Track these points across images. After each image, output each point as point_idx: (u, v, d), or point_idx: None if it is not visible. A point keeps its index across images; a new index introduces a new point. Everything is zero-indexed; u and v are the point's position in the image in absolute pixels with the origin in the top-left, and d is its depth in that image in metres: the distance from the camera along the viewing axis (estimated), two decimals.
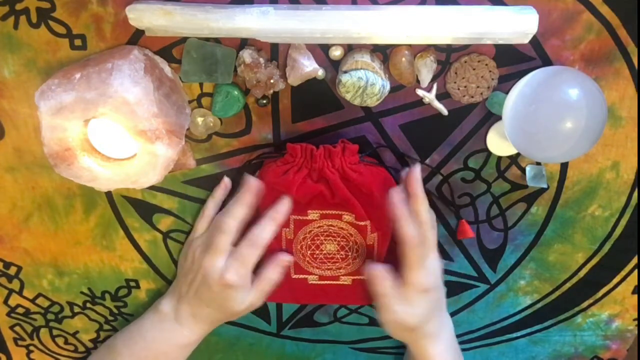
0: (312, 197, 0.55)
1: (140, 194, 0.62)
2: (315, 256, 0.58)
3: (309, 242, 0.57)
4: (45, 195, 0.61)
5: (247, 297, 0.57)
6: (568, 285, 0.68)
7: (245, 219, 0.56)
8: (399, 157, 0.60)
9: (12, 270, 0.67)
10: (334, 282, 0.59)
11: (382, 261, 0.58)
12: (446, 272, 0.66)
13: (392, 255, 0.58)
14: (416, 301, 0.56)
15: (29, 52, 0.53)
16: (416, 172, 0.55)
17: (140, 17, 0.50)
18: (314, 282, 0.59)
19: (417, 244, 0.54)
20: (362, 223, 0.56)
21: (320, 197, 0.55)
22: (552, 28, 0.52)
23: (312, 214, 0.56)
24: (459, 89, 0.55)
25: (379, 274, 0.56)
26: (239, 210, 0.56)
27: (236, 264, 0.56)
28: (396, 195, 0.54)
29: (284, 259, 0.58)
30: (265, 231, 0.56)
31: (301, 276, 0.59)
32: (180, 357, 0.63)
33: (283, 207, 0.56)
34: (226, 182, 0.60)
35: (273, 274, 0.58)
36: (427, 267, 0.56)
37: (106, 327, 0.72)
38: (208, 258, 0.56)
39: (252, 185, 0.56)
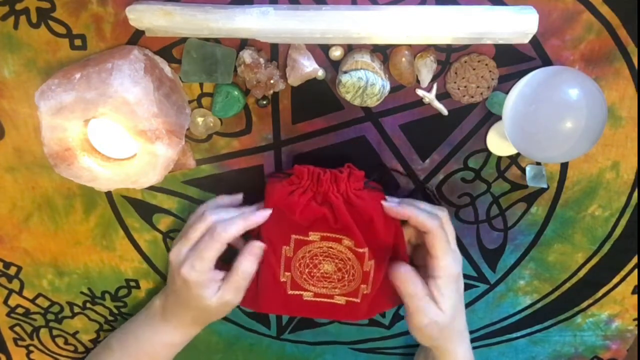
0: (315, 219, 0.56)
1: (140, 194, 0.62)
2: (312, 274, 0.58)
3: (307, 261, 0.58)
4: (45, 195, 0.61)
5: (215, 293, 0.55)
6: (568, 285, 0.68)
7: (234, 235, 0.55)
8: (399, 158, 0.60)
9: (12, 271, 0.67)
10: (328, 300, 0.60)
11: (376, 288, 0.58)
12: None
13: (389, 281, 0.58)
14: (446, 294, 0.54)
15: (29, 52, 0.53)
16: (388, 206, 0.55)
17: (140, 17, 0.50)
18: (309, 298, 0.59)
19: (438, 228, 0.53)
20: (361, 250, 0.56)
21: (322, 220, 0.56)
22: (552, 28, 0.53)
23: (313, 236, 0.56)
24: (459, 89, 0.55)
25: (409, 275, 0.54)
26: (235, 224, 0.54)
27: (193, 257, 0.54)
28: (389, 205, 0.55)
29: (256, 246, 0.55)
30: (230, 228, 0.54)
31: (297, 292, 0.59)
32: (166, 356, 0.62)
33: (258, 215, 0.55)
34: (239, 199, 0.59)
35: (246, 264, 0.55)
36: (453, 252, 0.55)
37: (106, 327, 0.72)
38: (174, 248, 0.56)
39: (263, 216, 0.55)
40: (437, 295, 0.54)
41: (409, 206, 0.55)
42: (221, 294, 0.55)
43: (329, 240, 0.56)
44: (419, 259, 0.59)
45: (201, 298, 0.55)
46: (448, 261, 0.54)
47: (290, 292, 0.59)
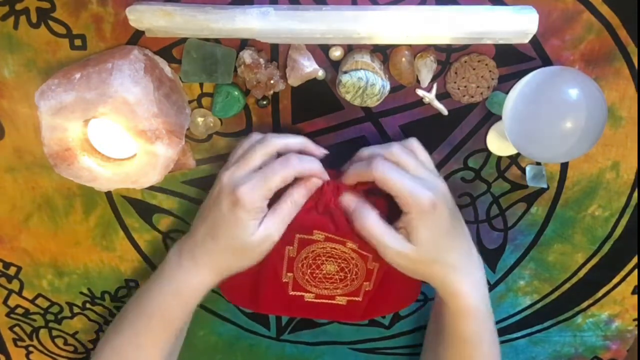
0: (316, 226, 0.55)
1: (140, 194, 0.62)
2: (314, 275, 0.58)
3: (310, 262, 0.57)
4: (45, 195, 0.61)
5: (260, 226, 0.51)
6: (568, 285, 0.68)
7: (308, 170, 0.52)
8: None
9: (12, 271, 0.67)
10: (330, 301, 0.60)
11: (377, 284, 0.57)
12: None
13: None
14: (418, 226, 0.50)
15: (29, 52, 0.53)
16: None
17: (140, 18, 0.50)
18: (310, 299, 0.59)
19: (376, 169, 0.50)
20: (365, 252, 0.56)
21: (324, 226, 0.55)
22: (552, 28, 0.53)
23: (318, 235, 0.55)
24: (459, 89, 0.55)
25: (362, 210, 0.51)
26: (312, 161, 0.52)
27: (257, 179, 0.50)
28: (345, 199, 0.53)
29: (313, 181, 0.52)
30: (303, 162, 0.51)
31: (298, 293, 0.59)
32: (194, 302, 0.56)
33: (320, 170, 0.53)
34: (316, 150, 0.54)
35: (299, 195, 0.52)
36: (415, 180, 0.50)
37: (106, 327, 0.72)
38: (227, 171, 0.51)
39: (319, 173, 0.52)
40: (409, 229, 0.50)
41: (351, 174, 0.52)
42: (266, 225, 0.51)
43: (332, 242, 0.56)
44: None
45: (246, 229, 0.50)
46: (409, 192, 0.49)
47: (291, 292, 0.59)
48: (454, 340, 0.56)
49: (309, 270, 0.58)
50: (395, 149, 0.52)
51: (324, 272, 0.57)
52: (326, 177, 0.53)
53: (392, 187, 0.50)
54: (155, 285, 0.56)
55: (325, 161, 0.59)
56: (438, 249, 0.52)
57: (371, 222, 0.51)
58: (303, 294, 0.59)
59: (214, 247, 0.53)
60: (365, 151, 0.54)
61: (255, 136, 0.54)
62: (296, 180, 0.52)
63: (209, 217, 0.53)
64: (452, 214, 0.53)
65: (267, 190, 0.50)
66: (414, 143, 0.54)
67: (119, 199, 0.62)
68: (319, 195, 0.54)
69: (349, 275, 0.57)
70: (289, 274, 0.58)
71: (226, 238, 0.52)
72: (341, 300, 0.59)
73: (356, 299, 0.59)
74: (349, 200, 0.53)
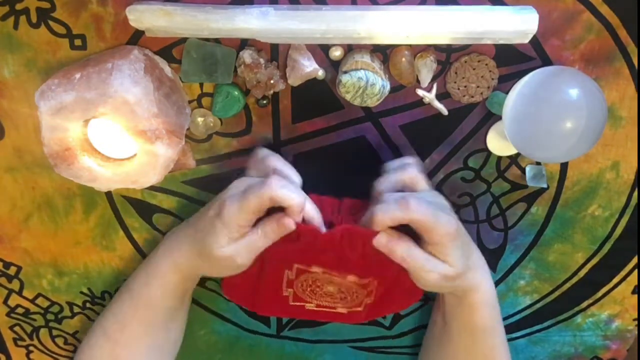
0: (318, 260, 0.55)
1: (140, 194, 0.62)
2: (315, 292, 0.58)
3: (310, 282, 0.57)
4: (45, 195, 0.61)
5: (231, 245, 0.51)
6: (568, 285, 0.68)
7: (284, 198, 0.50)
8: (399, 158, 0.60)
9: (12, 270, 0.67)
10: (331, 310, 0.60)
11: (379, 296, 0.58)
12: None
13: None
14: (451, 252, 0.51)
15: (29, 52, 0.53)
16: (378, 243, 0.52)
17: (140, 18, 0.50)
18: (311, 308, 0.60)
19: (407, 212, 0.50)
20: (366, 281, 0.56)
21: (324, 263, 0.55)
22: (552, 28, 0.52)
23: (316, 268, 0.55)
24: (459, 88, 0.55)
25: (394, 240, 0.51)
26: (294, 192, 0.50)
27: (240, 197, 0.50)
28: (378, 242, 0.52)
29: (286, 221, 0.50)
30: (282, 190, 0.49)
31: (299, 303, 0.59)
32: (164, 289, 0.58)
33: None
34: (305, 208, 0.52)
35: (270, 230, 0.51)
36: (436, 209, 0.51)
37: None
38: (239, 181, 0.53)
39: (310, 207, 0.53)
40: (442, 257, 0.51)
41: (385, 219, 0.50)
42: (234, 246, 0.51)
43: (332, 275, 0.55)
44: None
45: (217, 238, 0.51)
46: (440, 226, 0.50)
47: (292, 303, 0.59)
48: (472, 333, 0.59)
49: (309, 289, 0.58)
50: (416, 174, 0.53)
51: (324, 290, 0.58)
52: (307, 213, 0.52)
53: (427, 224, 0.50)
54: (141, 265, 0.60)
55: (325, 161, 0.59)
56: (467, 260, 0.54)
57: (414, 253, 0.51)
58: (304, 304, 0.59)
59: (189, 241, 0.56)
60: (381, 186, 0.54)
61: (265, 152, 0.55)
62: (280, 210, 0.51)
63: (200, 216, 0.56)
64: (468, 238, 0.56)
65: (246, 209, 0.50)
66: (409, 160, 0.55)
67: (119, 199, 0.62)
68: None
69: (349, 297, 0.57)
70: (289, 289, 0.58)
71: (199, 240, 0.53)
72: (342, 310, 0.60)
73: (357, 309, 0.59)
74: (382, 238, 0.51)
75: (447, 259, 0.52)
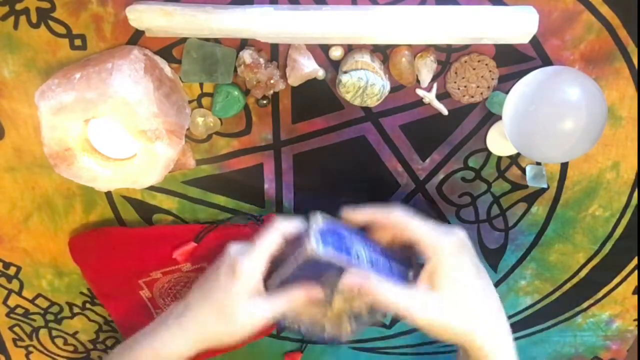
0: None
1: (140, 194, 0.62)
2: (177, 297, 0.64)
3: (171, 295, 0.65)
4: (45, 195, 0.61)
5: (256, 306, 0.50)
6: (569, 285, 0.68)
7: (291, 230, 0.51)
8: (399, 158, 0.60)
9: (12, 271, 0.67)
10: None
11: None
12: None
13: None
14: (445, 272, 0.47)
15: (29, 52, 0.53)
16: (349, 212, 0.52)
17: (140, 17, 0.50)
18: None
19: (402, 217, 0.49)
20: (200, 265, 0.62)
21: (155, 266, 0.63)
22: (552, 28, 0.53)
23: (155, 274, 0.64)
24: (459, 88, 0.55)
25: (369, 279, 0.48)
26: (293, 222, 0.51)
27: (250, 250, 0.50)
28: (351, 212, 0.52)
29: (316, 292, 0.51)
30: (287, 223, 0.51)
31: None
32: None
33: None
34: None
35: (298, 296, 0.51)
36: (442, 228, 0.49)
37: (105, 327, 0.72)
38: (234, 244, 0.52)
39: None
40: (434, 278, 0.48)
41: (369, 211, 0.51)
42: (264, 308, 0.50)
43: (170, 274, 0.62)
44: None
45: (236, 295, 0.50)
46: (431, 238, 0.48)
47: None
48: None
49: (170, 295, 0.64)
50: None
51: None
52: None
53: (413, 232, 0.49)
54: (142, 339, 0.54)
55: (325, 161, 0.59)
56: (466, 295, 0.48)
57: (382, 289, 0.48)
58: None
59: (202, 310, 0.52)
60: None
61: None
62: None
63: (206, 283, 0.53)
64: (477, 262, 0.51)
65: (258, 256, 0.50)
66: None
67: (119, 199, 0.62)
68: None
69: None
70: (158, 311, 0.64)
71: (216, 301, 0.51)
72: None
73: None
74: (351, 276, 0.48)
75: (436, 283, 0.48)
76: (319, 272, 0.50)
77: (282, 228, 0.51)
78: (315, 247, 0.47)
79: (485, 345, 0.49)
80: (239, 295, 0.50)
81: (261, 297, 0.51)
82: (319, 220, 0.49)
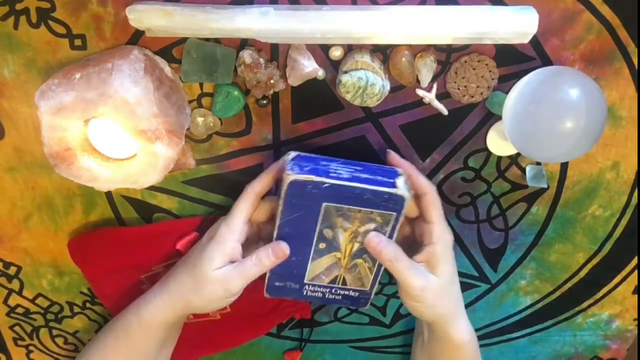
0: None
1: (140, 194, 0.62)
2: None
3: None
4: (45, 195, 0.61)
5: (223, 268, 0.53)
6: (569, 285, 0.68)
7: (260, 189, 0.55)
8: None
9: (12, 270, 0.67)
10: (206, 319, 0.66)
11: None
12: None
13: None
14: (443, 259, 0.54)
15: (29, 52, 0.53)
16: (394, 156, 0.56)
17: (140, 17, 0.50)
18: (190, 321, 0.66)
19: (436, 193, 0.54)
20: None
21: (160, 260, 0.64)
22: (552, 28, 0.52)
23: (157, 268, 0.64)
24: (459, 88, 0.55)
25: (384, 242, 0.53)
26: (260, 179, 0.54)
27: (228, 217, 0.54)
28: (393, 155, 0.56)
29: (282, 248, 0.53)
30: (256, 183, 0.54)
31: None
32: (147, 335, 0.57)
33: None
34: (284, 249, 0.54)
35: (265, 256, 0.53)
36: (445, 221, 0.55)
37: None
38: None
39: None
40: (434, 261, 0.54)
41: (411, 166, 0.55)
42: (226, 270, 0.53)
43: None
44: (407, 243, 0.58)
45: (211, 262, 0.53)
46: (443, 226, 0.54)
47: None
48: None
49: None
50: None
51: None
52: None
53: (436, 213, 0.54)
54: (131, 306, 0.59)
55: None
56: (454, 284, 0.57)
57: (400, 257, 0.53)
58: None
59: (180, 275, 0.56)
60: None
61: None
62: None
63: (191, 252, 0.58)
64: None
65: (232, 220, 0.54)
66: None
67: (119, 199, 0.62)
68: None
69: None
70: None
71: (193, 265, 0.54)
72: (215, 315, 0.66)
73: (226, 310, 0.66)
74: (372, 235, 0.53)
75: (436, 268, 0.54)
76: (313, 214, 0.52)
77: (252, 189, 0.54)
78: (291, 172, 0.49)
79: (457, 330, 0.57)
80: (212, 260, 0.53)
81: (235, 260, 0.54)
82: (291, 154, 0.53)
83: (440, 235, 0.54)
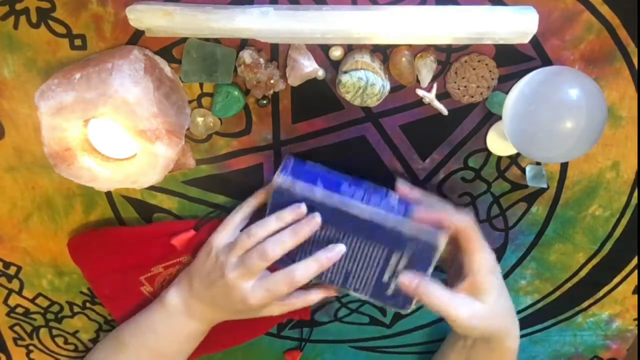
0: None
1: (140, 194, 0.62)
2: None
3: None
4: (45, 195, 0.61)
5: (269, 308, 0.57)
6: (569, 285, 0.68)
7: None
8: (399, 157, 0.60)
9: (12, 270, 0.67)
10: None
11: None
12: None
13: None
14: (487, 288, 0.54)
15: (29, 52, 0.53)
16: (421, 213, 0.55)
17: (140, 17, 0.49)
18: None
19: (472, 222, 0.54)
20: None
21: (157, 260, 0.64)
22: (552, 28, 0.52)
23: (156, 268, 0.65)
24: (459, 88, 0.55)
25: (424, 284, 0.53)
26: (287, 239, 0.54)
27: (262, 289, 0.55)
28: (421, 212, 0.54)
29: (331, 290, 0.59)
30: (305, 271, 0.54)
31: None
32: (190, 347, 0.63)
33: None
34: (303, 211, 0.55)
35: (315, 295, 0.58)
36: (487, 245, 0.55)
37: (106, 327, 0.72)
38: (240, 278, 0.55)
39: (299, 212, 0.54)
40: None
41: (438, 208, 0.55)
42: (273, 308, 0.58)
43: (172, 267, 0.64)
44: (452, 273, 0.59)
45: (243, 292, 0.55)
46: (485, 254, 0.54)
47: None
48: None
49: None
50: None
51: None
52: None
53: (474, 243, 0.54)
54: (157, 325, 0.62)
55: (325, 161, 0.59)
56: (501, 297, 0.55)
57: (437, 293, 0.53)
58: None
59: (213, 306, 0.59)
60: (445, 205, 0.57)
61: (244, 213, 0.60)
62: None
63: (216, 298, 0.58)
64: (501, 277, 0.57)
65: (275, 298, 0.55)
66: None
67: (119, 199, 0.62)
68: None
69: None
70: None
71: (231, 313, 0.60)
72: None
73: None
74: (409, 277, 0.54)
75: (483, 294, 0.53)
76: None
77: (246, 202, 0.59)
78: (280, 178, 0.54)
79: (514, 341, 0.57)
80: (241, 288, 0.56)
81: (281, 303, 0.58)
82: (290, 160, 0.56)
83: (479, 263, 0.54)
